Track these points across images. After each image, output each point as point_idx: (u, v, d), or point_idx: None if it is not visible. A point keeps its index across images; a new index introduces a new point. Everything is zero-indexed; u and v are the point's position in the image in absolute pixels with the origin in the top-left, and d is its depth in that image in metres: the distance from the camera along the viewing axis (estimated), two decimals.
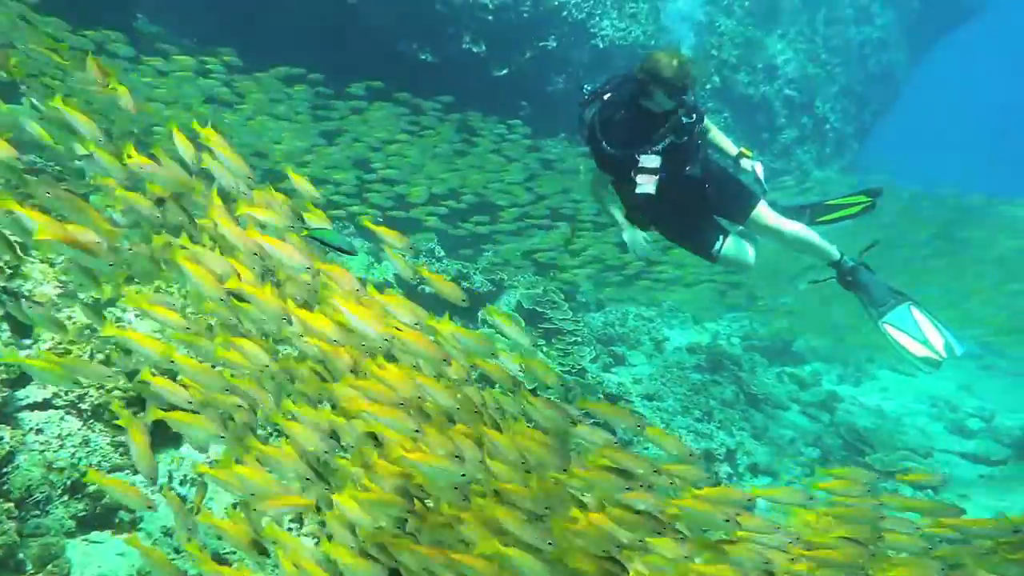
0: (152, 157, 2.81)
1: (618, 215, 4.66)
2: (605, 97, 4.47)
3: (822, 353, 10.79)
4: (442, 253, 7.61)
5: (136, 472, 3.93)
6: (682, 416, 7.18)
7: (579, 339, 7.43)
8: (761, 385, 8.64)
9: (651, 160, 4.25)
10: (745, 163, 4.53)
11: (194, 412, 2.66)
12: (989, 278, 10.05)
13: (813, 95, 13.34)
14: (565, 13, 9.36)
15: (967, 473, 7.46)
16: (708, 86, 11.68)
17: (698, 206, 4.50)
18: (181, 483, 4.05)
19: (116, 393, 3.89)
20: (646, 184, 4.23)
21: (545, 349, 7.11)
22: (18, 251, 3.59)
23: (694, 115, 4.30)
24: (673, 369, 8.18)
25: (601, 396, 6.69)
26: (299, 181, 3.24)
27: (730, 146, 4.64)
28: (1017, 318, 9.78)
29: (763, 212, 4.45)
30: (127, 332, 2.76)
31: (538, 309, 7.49)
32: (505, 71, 9.22)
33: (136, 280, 3.25)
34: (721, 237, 4.48)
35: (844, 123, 14.14)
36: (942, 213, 11.05)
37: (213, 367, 2.75)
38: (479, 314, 7.29)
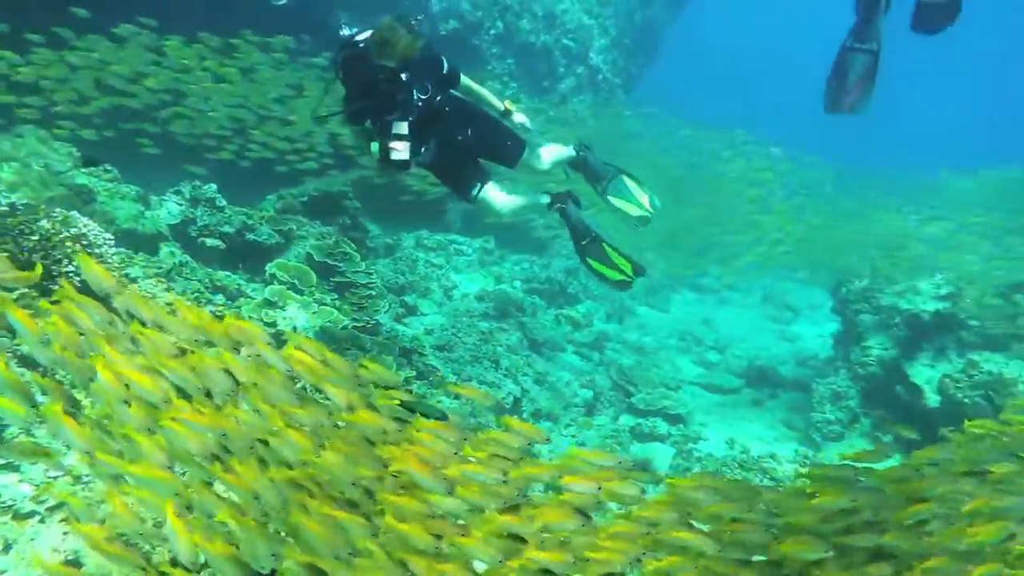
0: None
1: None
2: (360, 46, 4.42)
3: (593, 292, 11.72)
4: (223, 202, 7.06)
5: None
6: (472, 366, 7.50)
7: (373, 292, 7.38)
8: (542, 329, 9.26)
9: (401, 127, 4.39)
10: (517, 118, 4.92)
11: None
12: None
13: (587, 46, 14.00)
14: None
15: (708, 402, 8.68)
16: (493, 31, 11.80)
17: (462, 154, 4.81)
18: None
19: None
20: (399, 152, 4.38)
21: (339, 304, 6.98)
22: None
23: (430, 88, 4.48)
24: (463, 318, 8.47)
25: (397, 351, 6.76)
26: (375, 367, 3.06)
27: (495, 101, 4.90)
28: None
29: (530, 156, 4.99)
30: None
31: (330, 262, 7.30)
32: (284, 0, 8.57)
33: None
34: (479, 184, 4.87)
35: (614, 74, 15.04)
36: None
37: None
38: (267, 268, 6.95)
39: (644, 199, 5.26)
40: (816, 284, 12.88)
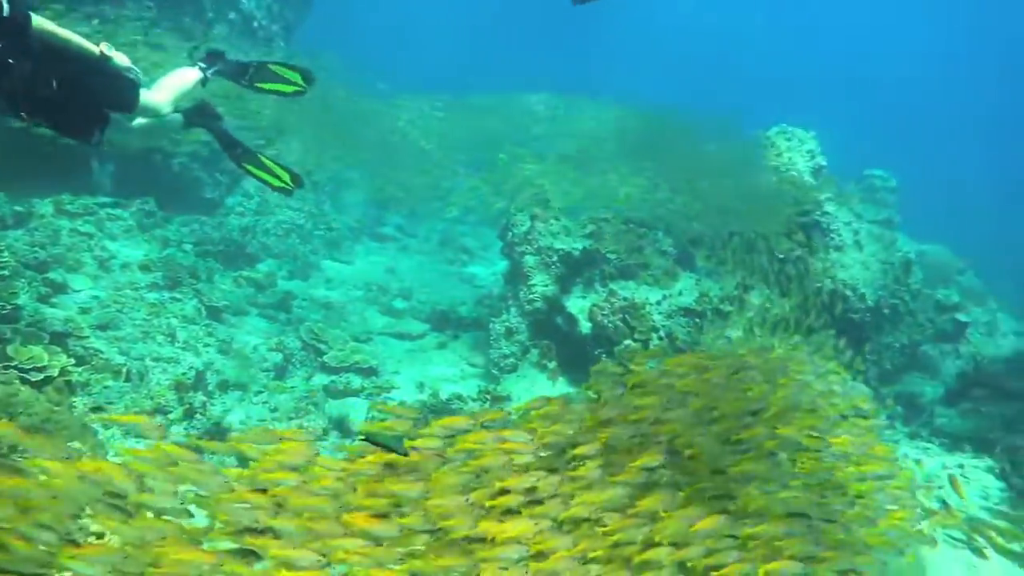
0: None
1: None
2: None
3: (274, 250, 11.31)
4: None
5: None
6: (144, 343, 6.87)
7: (5, 272, 6.34)
8: (221, 294, 8.75)
9: None
10: (118, 60, 4.60)
11: None
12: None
13: None
14: None
15: (398, 351, 9.04)
16: None
17: (64, 110, 4.42)
18: None
19: None
20: None
21: None
22: None
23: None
24: (126, 291, 7.64)
25: (47, 337, 5.92)
26: None
27: (89, 47, 4.50)
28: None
29: (146, 96, 4.86)
30: None
31: None
32: None
33: None
34: (100, 129, 4.65)
35: (271, 21, 14.32)
36: None
37: None
38: None
39: (296, 80, 5.51)
40: (486, 226, 13.90)
